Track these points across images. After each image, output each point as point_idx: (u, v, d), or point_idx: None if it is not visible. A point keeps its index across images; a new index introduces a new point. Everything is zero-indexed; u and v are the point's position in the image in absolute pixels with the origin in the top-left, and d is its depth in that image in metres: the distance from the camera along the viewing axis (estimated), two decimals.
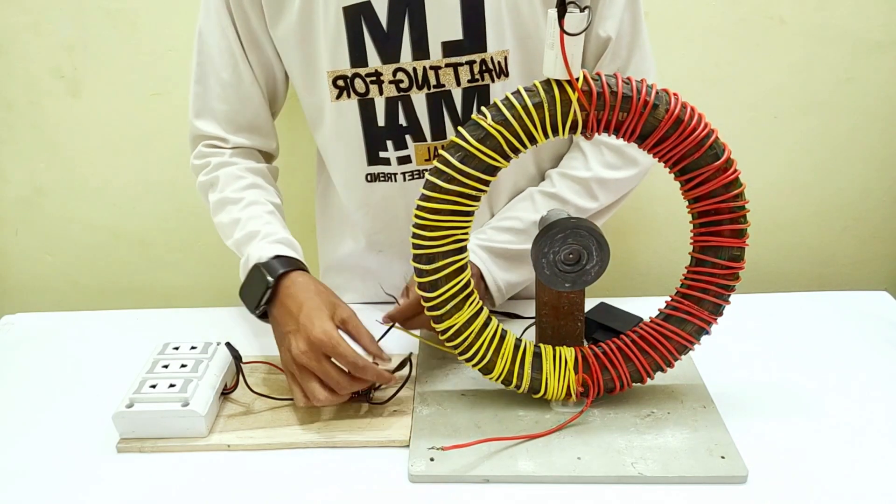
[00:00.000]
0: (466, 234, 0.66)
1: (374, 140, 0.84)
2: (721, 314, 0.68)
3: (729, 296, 0.68)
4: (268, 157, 0.93)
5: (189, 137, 0.89)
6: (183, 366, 0.74)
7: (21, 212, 1.29)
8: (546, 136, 0.62)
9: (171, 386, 0.71)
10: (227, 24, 0.82)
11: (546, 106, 0.60)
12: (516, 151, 0.63)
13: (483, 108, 0.62)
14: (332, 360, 0.68)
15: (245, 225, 0.80)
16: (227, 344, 0.78)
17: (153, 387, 0.71)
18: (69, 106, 1.19)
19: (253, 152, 0.90)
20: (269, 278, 0.74)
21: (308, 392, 0.69)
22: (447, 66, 0.79)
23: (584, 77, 0.60)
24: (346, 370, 0.69)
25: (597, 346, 0.71)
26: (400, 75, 0.80)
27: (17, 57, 1.16)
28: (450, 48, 0.78)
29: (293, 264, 0.76)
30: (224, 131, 0.86)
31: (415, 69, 0.79)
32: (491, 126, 0.61)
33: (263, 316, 0.77)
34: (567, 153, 0.90)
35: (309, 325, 0.69)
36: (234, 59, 0.83)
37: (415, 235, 0.65)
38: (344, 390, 0.69)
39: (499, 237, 0.85)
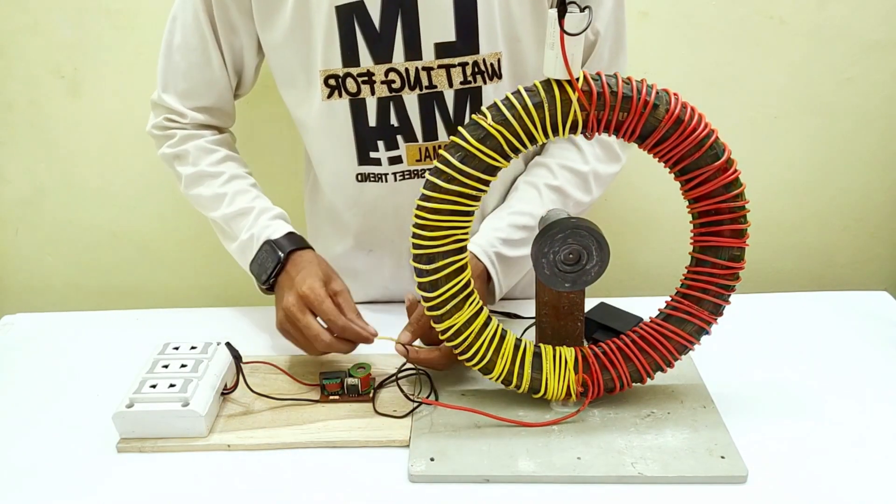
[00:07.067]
0: (466, 233, 0.66)
1: (365, 140, 0.84)
2: (721, 314, 0.68)
3: (729, 296, 0.68)
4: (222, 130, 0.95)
5: (151, 104, 0.91)
6: (183, 366, 0.74)
7: (21, 212, 1.29)
8: (546, 136, 0.62)
9: (171, 386, 0.71)
10: (202, 9, 0.82)
11: (546, 106, 0.60)
12: (516, 151, 0.63)
13: (483, 108, 0.62)
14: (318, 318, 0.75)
15: (233, 200, 0.85)
16: (227, 344, 0.78)
17: (153, 387, 0.71)
18: (69, 106, 1.19)
19: (210, 127, 0.92)
20: (280, 253, 0.81)
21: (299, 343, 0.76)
22: (439, 67, 0.79)
23: (585, 77, 0.60)
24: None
25: (597, 346, 0.71)
26: (392, 76, 0.79)
27: (17, 57, 1.16)
28: (442, 49, 0.78)
29: (301, 243, 0.83)
30: (184, 106, 0.88)
31: (407, 70, 0.79)
32: (491, 126, 0.61)
33: (269, 289, 0.83)
34: (556, 144, 0.89)
35: (301, 282, 0.76)
36: (205, 43, 0.84)
37: (415, 235, 0.65)
38: (320, 344, 0.74)
39: (516, 235, 0.82)
